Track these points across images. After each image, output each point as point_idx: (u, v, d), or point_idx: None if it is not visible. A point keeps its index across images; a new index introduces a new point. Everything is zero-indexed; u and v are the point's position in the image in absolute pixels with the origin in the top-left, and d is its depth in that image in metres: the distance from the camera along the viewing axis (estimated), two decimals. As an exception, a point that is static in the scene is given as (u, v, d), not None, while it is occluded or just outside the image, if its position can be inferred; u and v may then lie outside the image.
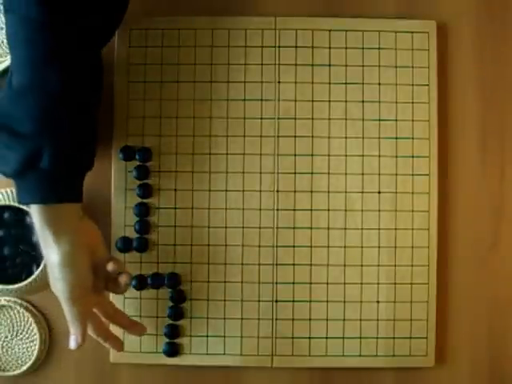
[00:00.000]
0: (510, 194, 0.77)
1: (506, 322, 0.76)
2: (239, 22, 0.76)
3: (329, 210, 0.75)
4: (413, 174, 0.75)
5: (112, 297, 0.74)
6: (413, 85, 0.75)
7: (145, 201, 0.75)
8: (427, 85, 0.75)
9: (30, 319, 0.75)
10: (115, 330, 0.74)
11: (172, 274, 0.74)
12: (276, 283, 0.75)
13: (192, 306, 0.75)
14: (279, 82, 0.75)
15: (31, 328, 0.75)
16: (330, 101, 0.75)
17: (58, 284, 0.64)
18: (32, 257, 0.72)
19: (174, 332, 0.74)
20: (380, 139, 0.75)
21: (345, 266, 0.75)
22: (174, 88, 0.75)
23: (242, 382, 0.76)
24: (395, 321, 0.75)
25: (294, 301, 0.75)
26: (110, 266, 0.66)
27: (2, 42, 0.75)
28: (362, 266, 0.75)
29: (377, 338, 0.74)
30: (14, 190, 0.72)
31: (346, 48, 0.76)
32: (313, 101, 0.75)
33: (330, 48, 0.76)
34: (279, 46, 0.76)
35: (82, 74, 0.64)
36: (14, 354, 0.75)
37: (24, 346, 0.75)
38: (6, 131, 0.60)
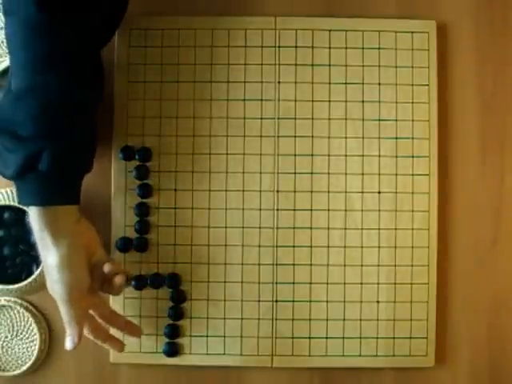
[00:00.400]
0: (510, 194, 0.77)
1: (505, 321, 0.76)
2: (239, 22, 0.76)
3: (329, 210, 0.75)
4: (413, 174, 0.75)
5: (112, 297, 0.74)
6: (413, 85, 0.75)
7: (145, 201, 0.75)
8: (427, 85, 0.75)
9: (30, 319, 0.75)
10: (115, 331, 0.74)
11: (172, 274, 0.74)
12: (276, 283, 0.75)
13: (192, 306, 0.75)
14: (279, 82, 0.75)
15: (31, 328, 0.75)
16: (330, 101, 0.75)
17: (56, 286, 0.64)
18: (32, 257, 0.72)
19: (174, 332, 0.74)
20: (380, 139, 0.75)
21: (345, 266, 0.75)
22: (174, 88, 0.75)
23: (242, 382, 0.76)
24: (395, 321, 0.75)
25: (293, 301, 0.75)
26: (107, 267, 0.67)
27: (2, 42, 0.75)
28: (361, 266, 0.75)
29: (377, 338, 0.74)
30: (14, 190, 0.72)
31: (346, 48, 0.76)
32: (313, 101, 0.75)
33: (329, 48, 0.76)
34: (279, 46, 0.76)
35: (82, 75, 0.64)
36: (14, 354, 0.75)
37: (24, 346, 0.75)
38: (7, 134, 0.61)
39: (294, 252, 0.75)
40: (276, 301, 0.75)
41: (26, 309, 0.75)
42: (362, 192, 0.75)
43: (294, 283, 0.75)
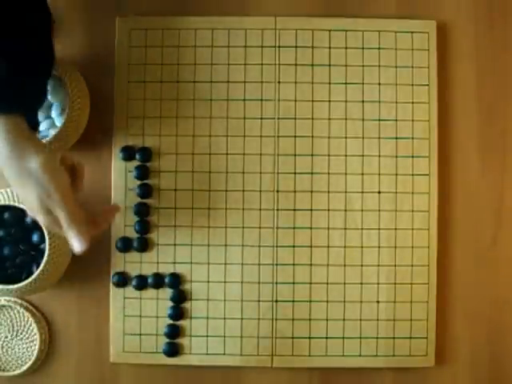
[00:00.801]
0: (510, 194, 0.77)
1: (505, 321, 0.76)
2: (239, 22, 0.76)
3: (329, 210, 0.75)
4: (413, 174, 0.75)
5: (112, 297, 0.74)
6: (413, 85, 0.75)
7: (145, 201, 0.75)
8: (427, 85, 0.75)
9: (30, 319, 0.75)
10: (114, 331, 0.74)
11: (172, 274, 0.74)
12: (276, 283, 0.75)
13: (192, 306, 0.75)
14: (279, 82, 0.75)
15: (31, 328, 0.75)
16: (330, 101, 0.75)
17: (50, 188, 0.61)
18: (32, 257, 0.72)
19: (174, 332, 0.74)
20: (380, 139, 0.75)
21: (345, 266, 0.75)
22: (174, 88, 0.75)
23: (242, 382, 0.76)
24: (395, 321, 0.75)
25: (293, 301, 0.75)
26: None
27: None
28: (361, 266, 0.75)
29: (377, 338, 0.74)
30: (13, 190, 0.72)
31: (346, 48, 0.76)
32: (313, 101, 0.75)
33: (329, 48, 0.76)
34: (279, 46, 0.76)
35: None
36: (14, 354, 0.75)
37: (24, 346, 0.75)
38: None
39: (294, 252, 0.75)
40: (276, 301, 0.75)
41: (26, 309, 0.75)
42: (362, 192, 0.75)
43: (293, 283, 0.75)
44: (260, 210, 0.75)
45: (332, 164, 0.75)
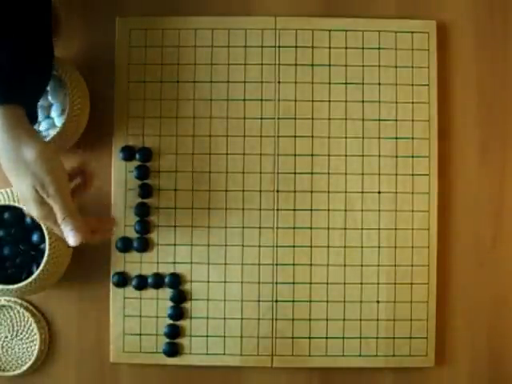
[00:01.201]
0: (510, 194, 0.77)
1: (505, 321, 0.76)
2: (239, 22, 0.76)
3: (329, 210, 0.75)
4: (413, 174, 0.75)
5: (112, 297, 0.74)
6: (413, 85, 0.75)
7: (145, 201, 0.75)
8: (427, 85, 0.75)
9: (30, 319, 0.75)
10: (114, 331, 0.74)
11: (172, 274, 0.74)
12: (276, 283, 0.75)
13: (192, 306, 0.75)
14: (279, 82, 0.75)
15: (31, 328, 0.75)
16: (330, 101, 0.75)
17: (45, 179, 0.60)
18: (32, 257, 0.72)
19: (174, 332, 0.74)
20: (380, 139, 0.75)
21: (345, 266, 0.75)
22: (174, 88, 0.75)
23: (242, 382, 0.76)
24: (395, 321, 0.75)
25: (293, 301, 0.75)
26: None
27: None
28: (361, 266, 0.75)
29: (377, 338, 0.74)
30: (13, 190, 0.72)
31: (346, 48, 0.76)
32: (313, 101, 0.75)
33: (329, 48, 0.76)
34: (279, 46, 0.76)
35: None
36: (14, 354, 0.75)
37: (24, 346, 0.75)
38: None
39: (294, 252, 0.75)
40: (276, 301, 0.75)
41: (26, 309, 0.75)
42: (362, 192, 0.75)
43: (293, 283, 0.75)
44: (260, 210, 0.75)
45: (332, 164, 0.75)
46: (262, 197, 0.75)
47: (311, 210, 0.75)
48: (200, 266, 0.75)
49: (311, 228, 0.75)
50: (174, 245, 0.75)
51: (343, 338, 0.74)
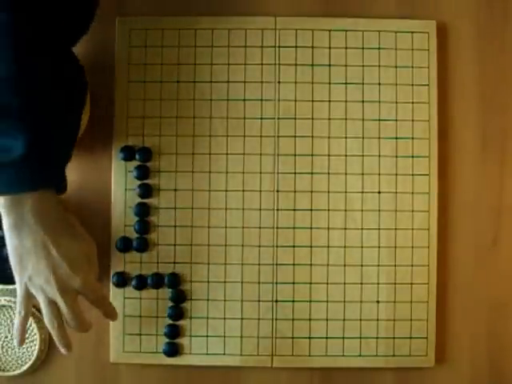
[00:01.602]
0: (510, 194, 0.77)
1: (505, 321, 0.76)
2: (239, 22, 0.76)
3: (329, 210, 0.75)
4: (413, 174, 0.75)
5: (112, 297, 0.74)
6: (413, 85, 0.75)
7: (145, 201, 0.75)
8: (427, 85, 0.75)
9: (30, 319, 0.74)
10: (114, 331, 0.74)
11: (172, 274, 0.74)
12: (276, 283, 0.75)
13: (192, 306, 0.75)
14: (279, 82, 0.75)
15: (31, 328, 0.75)
16: (330, 101, 0.75)
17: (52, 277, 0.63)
18: (32, 257, 0.72)
19: (174, 332, 0.74)
20: (380, 139, 0.75)
21: (345, 266, 0.75)
22: (174, 88, 0.75)
23: (242, 382, 0.76)
24: (395, 321, 0.75)
25: (293, 301, 0.75)
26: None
27: None
28: (361, 266, 0.75)
29: (377, 338, 0.74)
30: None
31: (346, 48, 0.76)
32: (313, 101, 0.75)
33: (330, 48, 0.76)
34: (279, 46, 0.76)
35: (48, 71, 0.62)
36: (14, 354, 0.75)
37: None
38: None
39: (294, 252, 0.75)
40: (276, 301, 0.75)
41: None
42: (362, 192, 0.75)
43: (294, 283, 0.75)
44: (260, 210, 0.75)
45: (332, 164, 0.75)
46: (262, 197, 0.75)
47: (311, 210, 0.75)
48: (200, 266, 0.75)
49: (311, 228, 0.75)
50: (174, 245, 0.75)
51: (343, 337, 0.74)
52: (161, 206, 0.75)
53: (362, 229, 0.75)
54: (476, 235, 0.76)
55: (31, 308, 0.67)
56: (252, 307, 0.75)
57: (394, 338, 0.75)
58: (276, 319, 0.75)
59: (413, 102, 0.75)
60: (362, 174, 0.75)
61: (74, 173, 0.74)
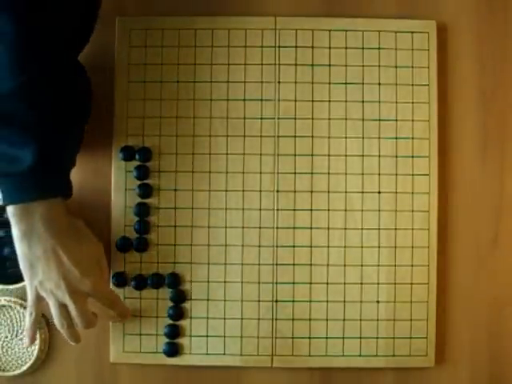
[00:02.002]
0: (510, 193, 0.77)
1: (505, 322, 0.76)
2: (239, 22, 0.76)
3: (329, 210, 0.75)
4: (413, 174, 0.75)
5: (112, 297, 0.74)
6: (413, 85, 0.75)
7: (145, 201, 0.75)
8: (427, 85, 0.75)
9: (30, 319, 0.74)
10: (114, 331, 0.74)
11: (172, 274, 0.74)
12: (276, 283, 0.75)
13: (192, 306, 0.75)
14: (279, 82, 0.75)
15: (31, 328, 0.75)
16: (329, 101, 0.75)
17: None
18: (32, 257, 0.72)
19: (174, 332, 0.74)
20: (380, 139, 0.75)
21: (345, 266, 0.75)
22: (174, 88, 0.75)
23: (242, 382, 0.76)
24: (395, 321, 0.75)
25: (293, 301, 0.75)
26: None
27: None
28: (361, 266, 0.75)
29: (377, 337, 0.74)
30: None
31: (346, 48, 0.76)
32: (313, 101, 0.75)
33: (330, 48, 0.76)
34: (279, 46, 0.76)
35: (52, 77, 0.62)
36: (14, 354, 0.75)
37: (24, 345, 0.75)
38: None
39: (294, 252, 0.75)
40: (276, 301, 0.75)
41: (26, 309, 0.75)
42: (362, 192, 0.75)
43: (294, 283, 0.75)
44: (260, 210, 0.75)
45: (332, 164, 0.75)
46: (262, 197, 0.75)
47: (311, 210, 0.75)
48: (200, 266, 0.75)
49: (311, 228, 0.75)
50: (174, 245, 0.75)
51: (343, 337, 0.74)
52: (161, 206, 0.75)
53: (361, 229, 0.75)
54: (476, 235, 0.76)
55: (42, 309, 0.68)
56: (252, 307, 0.75)
57: (394, 337, 0.75)
58: (276, 319, 0.75)
59: (413, 102, 0.75)
60: (362, 174, 0.75)
61: (74, 173, 0.74)
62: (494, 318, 0.76)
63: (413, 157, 0.75)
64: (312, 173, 0.75)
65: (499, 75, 0.77)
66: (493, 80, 0.77)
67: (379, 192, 0.75)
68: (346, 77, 0.75)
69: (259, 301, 0.75)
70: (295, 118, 0.75)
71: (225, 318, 0.74)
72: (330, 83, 0.75)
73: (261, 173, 0.75)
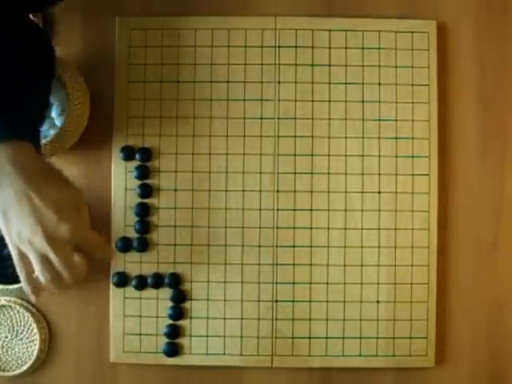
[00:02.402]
0: (510, 194, 0.77)
1: (505, 321, 0.76)
2: (239, 22, 0.76)
3: (329, 210, 0.75)
4: (413, 174, 0.75)
5: (112, 297, 0.74)
6: (413, 85, 0.75)
7: (145, 201, 0.75)
8: (427, 85, 0.75)
9: (30, 319, 0.75)
10: (114, 331, 0.74)
11: (172, 274, 0.74)
12: (276, 283, 0.75)
13: (192, 306, 0.75)
14: (279, 82, 0.75)
15: (31, 328, 0.75)
16: (330, 101, 0.75)
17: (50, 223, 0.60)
18: (32, 257, 0.72)
19: (174, 332, 0.74)
20: (380, 139, 0.75)
21: (345, 266, 0.75)
22: (174, 88, 0.75)
23: (242, 382, 0.76)
24: (395, 321, 0.75)
25: (294, 301, 0.75)
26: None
27: None
28: (361, 266, 0.75)
29: (377, 338, 0.74)
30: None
31: (346, 48, 0.76)
32: (313, 101, 0.75)
33: (330, 48, 0.76)
34: (279, 46, 0.76)
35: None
36: (14, 354, 0.75)
37: (24, 346, 0.75)
38: None
39: (294, 252, 0.75)
40: (276, 301, 0.75)
41: (26, 309, 0.75)
42: (362, 192, 0.75)
43: (294, 283, 0.75)
44: (260, 210, 0.75)
45: (332, 164, 0.75)
46: (262, 197, 0.75)
47: (311, 210, 0.75)
48: (200, 266, 0.75)
49: (311, 228, 0.75)
50: (174, 245, 0.75)
51: (343, 337, 0.74)
52: (161, 206, 0.75)
53: (362, 229, 0.75)
54: (476, 235, 0.76)
55: (30, 266, 0.62)
56: (252, 307, 0.75)
57: (394, 338, 0.75)
58: (276, 319, 0.75)
59: (413, 102, 0.75)
60: (362, 174, 0.75)
61: (75, 173, 0.75)
62: (493, 318, 0.76)
63: (413, 157, 0.75)
64: (312, 173, 0.75)
65: (499, 75, 0.77)
66: (493, 80, 0.77)
67: (379, 192, 0.75)
68: (346, 77, 0.75)
69: (259, 301, 0.75)
70: (295, 118, 0.75)
71: (225, 318, 0.74)
72: (329, 83, 0.75)
73: (261, 173, 0.75)
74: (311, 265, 0.75)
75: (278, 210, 0.75)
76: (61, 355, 0.76)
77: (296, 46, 0.76)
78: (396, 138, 0.75)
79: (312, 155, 0.75)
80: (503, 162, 0.77)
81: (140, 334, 0.74)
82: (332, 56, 0.75)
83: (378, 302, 0.75)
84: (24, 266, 0.62)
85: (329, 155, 0.75)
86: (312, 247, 0.75)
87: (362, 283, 0.75)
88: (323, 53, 0.76)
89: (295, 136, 0.75)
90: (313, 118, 0.75)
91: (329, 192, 0.75)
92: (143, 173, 0.75)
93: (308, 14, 0.76)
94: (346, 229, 0.75)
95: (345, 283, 0.75)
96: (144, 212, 0.75)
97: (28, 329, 0.75)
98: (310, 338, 0.75)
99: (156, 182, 0.75)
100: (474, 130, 0.77)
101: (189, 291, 0.75)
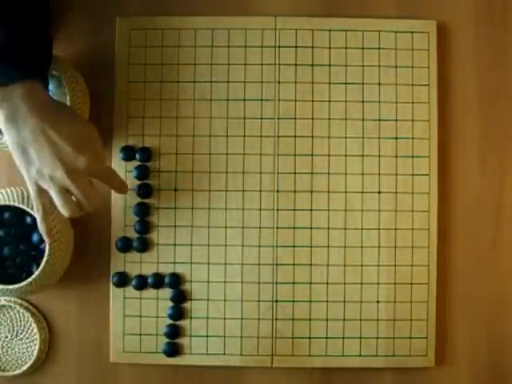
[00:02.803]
0: (510, 194, 0.77)
1: (505, 321, 0.76)
2: (239, 22, 0.76)
3: (329, 210, 0.75)
4: (413, 174, 0.75)
5: (112, 297, 0.74)
6: (413, 85, 0.75)
7: (145, 201, 0.75)
8: (427, 85, 0.75)
9: (30, 319, 0.75)
10: (114, 331, 0.74)
11: (172, 274, 0.74)
12: (276, 283, 0.75)
13: (192, 306, 0.75)
14: (279, 82, 0.75)
15: (31, 328, 0.75)
16: (330, 101, 0.75)
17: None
18: (32, 257, 0.72)
19: (174, 332, 0.74)
20: (380, 139, 0.75)
21: (345, 266, 0.75)
22: (174, 88, 0.75)
23: (242, 382, 0.76)
24: (395, 321, 0.75)
25: (294, 301, 0.75)
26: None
27: None
28: (361, 266, 0.75)
29: (377, 338, 0.74)
30: (13, 190, 0.72)
31: (346, 48, 0.76)
32: (313, 101, 0.75)
33: (330, 48, 0.76)
34: (279, 46, 0.76)
35: None
36: (14, 354, 0.75)
37: (24, 346, 0.75)
38: None
39: (294, 252, 0.75)
40: (276, 301, 0.75)
41: (26, 309, 0.75)
42: (362, 192, 0.75)
43: (294, 283, 0.75)
44: (260, 210, 0.75)
45: (332, 164, 0.75)
46: (262, 197, 0.75)
47: (311, 210, 0.75)
48: (200, 266, 0.75)
49: (311, 228, 0.75)
50: (174, 245, 0.75)
51: (343, 337, 0.74)
52: (161, 206, 0.75)
53: (362, 229, 0.75)
54: (476, 235, 0.76)
55: (47, 203, 0.65)
56: (252, 307, 0.75)
57: (394, 338, 0.75)
58: (276, 319, 0.75)
59: (413, 102, 0.75)
60: (362, 174, 0.75)
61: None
62: (493, 318, 0.76)
63: (413, 157, 0.75)
64: (312, 173, 0.75)
65: (499, 75, 0.77)
66: (493, 80, 0.77)
67: (379, 192, 0.75)
68: (346, 77, 0.75)
69: (259, 301, 0.75)
70: (295, 118, 0.75)
71: (225, 318, 0.74)
72: (330, 83, 0.75)
73: (261, 173, 0.75)
74: (311, 265, 0.75)
75: (277, 209, 0.75)
76: (61, 355, 0.76)
77: (296, 46, 0.76)
78: (396, 138, 0.75)
79: (312, 155, 0.75)
80: (503, 162, 0.77)
81: (140, 334, 0.74)
82: (332, 56, 0.75)
83: (377, 302, 0.75)
84: (42, 202, 0.64)
85: (329, 155, 0.75)
86: (312, 247, 0.75)
87: (361, 283, 0.75)
88: (323, 53, 0.76)
89: (295, 136, 0.75)
90: (313, 118, 0.75)
91: (329, 192, 0.75)
92: (143, 173, 0.75)
93: (308, 14, 0.76)
94: (345, 229, 0.75)
95: (345, 283, 0.75)
96: (144, 212, 0.75)
97: (28, 329, 0.75)
98: (309, 338, 0.75)
99: (156, 182, 0.75)
100: (474, 130, 0.77)
101: (189, 291, 0.75)
